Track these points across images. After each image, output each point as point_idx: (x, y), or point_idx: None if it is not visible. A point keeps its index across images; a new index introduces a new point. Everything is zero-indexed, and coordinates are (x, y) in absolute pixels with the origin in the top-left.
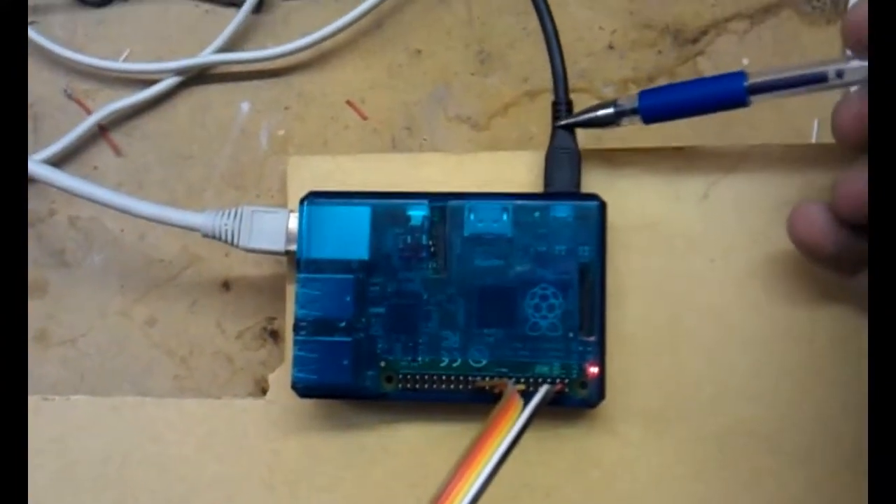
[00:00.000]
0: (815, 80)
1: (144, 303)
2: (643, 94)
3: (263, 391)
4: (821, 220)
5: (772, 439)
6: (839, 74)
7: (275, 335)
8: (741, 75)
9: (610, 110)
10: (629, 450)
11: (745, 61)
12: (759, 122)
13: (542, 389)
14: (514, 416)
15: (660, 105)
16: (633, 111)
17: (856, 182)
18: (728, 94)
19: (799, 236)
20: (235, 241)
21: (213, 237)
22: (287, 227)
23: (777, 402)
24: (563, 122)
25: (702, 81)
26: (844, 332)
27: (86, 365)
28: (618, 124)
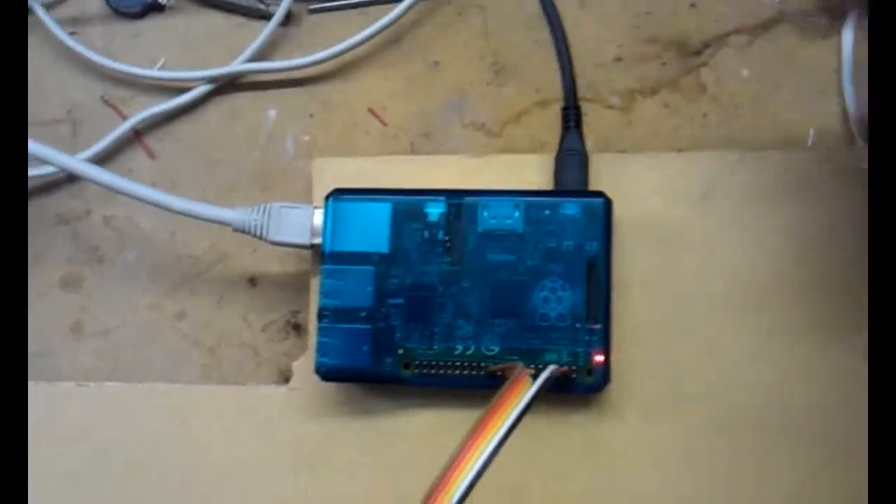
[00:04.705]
0: None
1: (174, 297)
2: None
3: (286, 381)
4: None
5: (769, 426)
6: None
7: (298, 328)
8: None
9: None
10: (633, 434)
11: (745, 73)
12: (757, 129)
13: (549, 368)
14: (523, 392)
15: None
16: None
17: None
18: None
19: None
20: (264, 234)
21: (243, 231)
22: (312, 222)
23: (774, 391)
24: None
25: None
26: (841, 322)
27: (118, 355)
28: None
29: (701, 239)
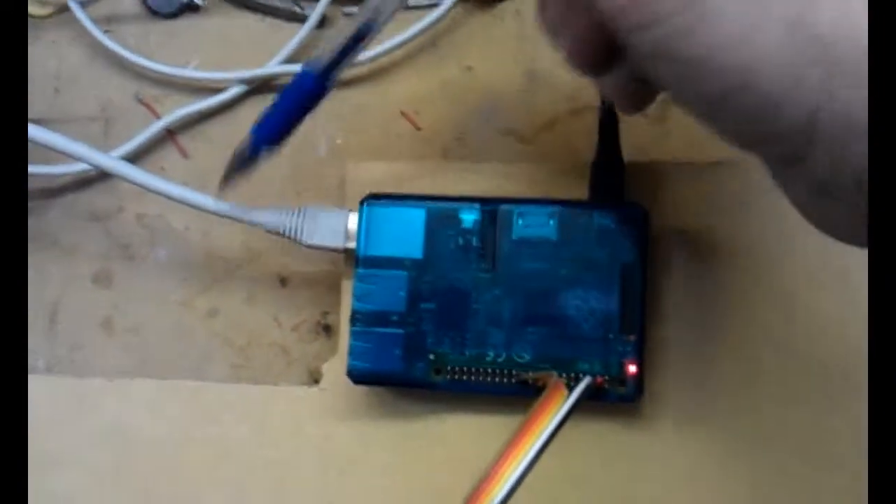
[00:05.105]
0: (360, 35)
1: (205, 295)
2: (253, 131)
3: (315, 381)
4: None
5: (803, 441)
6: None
7: (328, 329)
8: (304, 69)
9: (244, 152)
10: (664, 445)
11: None
12: None
13: (585, 380)
14: (559, 404)
15: (270, 126)
16: (256, 147)
17: None
18: (305, 87)
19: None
20: (299, 237)
21: (278, 233)
22: (347, 226)
23: (808, 408)
24: (220, 189)
25: (285, 90)
26: None
27: (148, 352)
28: (254, 162)
29: (738, 250)
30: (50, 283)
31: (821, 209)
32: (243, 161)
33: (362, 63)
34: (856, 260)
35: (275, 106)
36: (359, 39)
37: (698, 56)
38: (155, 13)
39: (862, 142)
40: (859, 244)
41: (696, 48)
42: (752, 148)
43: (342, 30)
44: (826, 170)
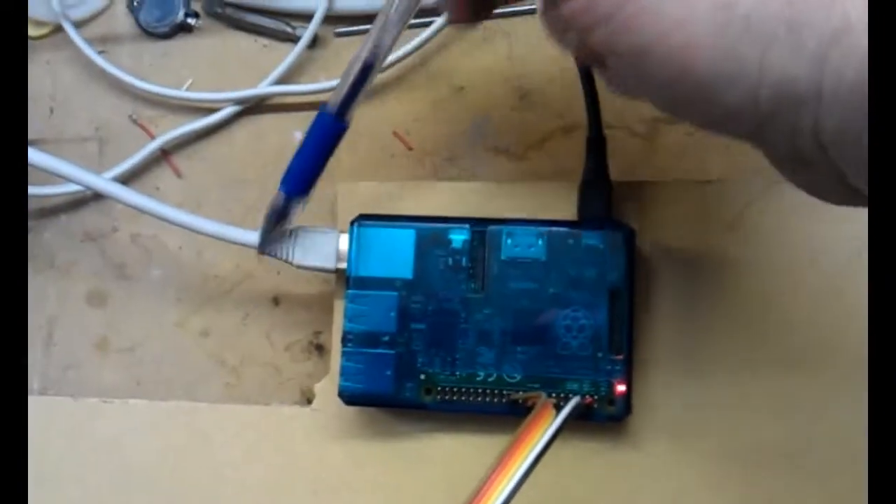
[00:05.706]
0: (367, 68)
1: (199, 315)
2: (283, 182)
3: (308, 400)
4: None
5: (793, 457)
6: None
7: (320, 349)
8: (321, 112)
9: (279, 208)
10: (653, 464)
11: None
12: None
13: (573, 400)
14: (547, 424)
15: (298, 177)
16: (288, 199)
17: None
18: (325, 129)
19: None
20: (289, 258)
21: (269, 254)
22: (338, 247)
23: (799, 422)
24: (259, 248)
25: (306, 138)
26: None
27: (142, 372)
28: (289, 215)
29: (726, 269)
30: (45, 304)
31: (801, 176)
32: (278, 215)
33: None
34: (847, 273)
35: (298, 154)
36: (366, 72)
37: (640, 48)
38: (149, 34)
39: (811, 109)
40: (851, 204)
41: (637, 41)
42: (714, 130)
43: (349, 67)
44: (788, 141)
